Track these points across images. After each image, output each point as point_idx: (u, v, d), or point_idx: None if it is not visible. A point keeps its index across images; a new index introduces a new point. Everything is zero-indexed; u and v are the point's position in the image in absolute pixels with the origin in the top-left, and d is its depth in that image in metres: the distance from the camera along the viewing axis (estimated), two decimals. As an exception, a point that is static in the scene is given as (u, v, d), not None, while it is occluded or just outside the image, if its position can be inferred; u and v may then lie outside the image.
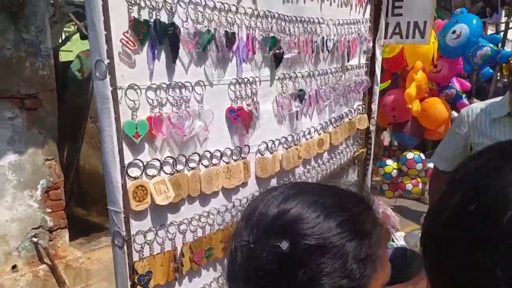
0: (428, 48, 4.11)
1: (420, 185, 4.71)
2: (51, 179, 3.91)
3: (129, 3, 1.00)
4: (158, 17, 1.07)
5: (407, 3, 2.08)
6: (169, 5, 1.10)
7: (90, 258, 4.16)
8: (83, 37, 5.19)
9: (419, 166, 4.50)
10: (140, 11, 1.03)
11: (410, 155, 4.50)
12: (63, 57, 5.75)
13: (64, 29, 5.74)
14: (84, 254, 4.18)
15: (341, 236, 0.58)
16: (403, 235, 4.43)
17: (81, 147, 5.48)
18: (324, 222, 0.58)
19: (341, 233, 0.58)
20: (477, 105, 2.38)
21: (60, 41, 5.38)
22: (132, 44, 1.00)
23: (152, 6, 1.06)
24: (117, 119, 0.99)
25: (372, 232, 0.63)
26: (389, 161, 4.61)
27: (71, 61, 5.28)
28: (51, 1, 5.30)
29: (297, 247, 0.57)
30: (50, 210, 3.84)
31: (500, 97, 1.89)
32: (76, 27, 5.25)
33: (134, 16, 1.01)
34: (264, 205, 0.62)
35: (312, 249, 0.57)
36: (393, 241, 4.39)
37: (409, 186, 4.65)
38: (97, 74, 0.96)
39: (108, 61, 0.96)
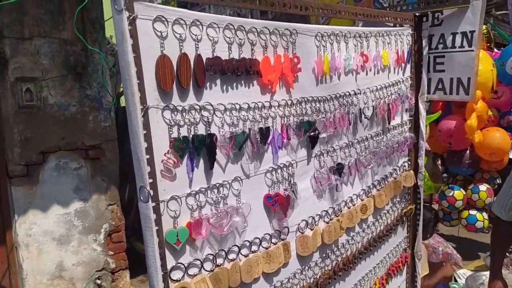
0: (487, 76, 3.92)
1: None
2: (113, 223, 4.18)
3: (169, 125, 1.11)
4: (196, 131, 1.17)
5: (448, 59, 2.05)
6: (205, 117, 1.20)
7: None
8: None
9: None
10: (179, 130, 1.13)
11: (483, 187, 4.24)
12: (123, 102, 6.16)
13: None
14: (145, 293, 4.37)
15: None
16: (466, 273, 4.19)
17: (140, 186, 5.79)
18: None
19: None
20: None
21: (122, 88, 5.78)
22: (172, 162, 1.10)
23: (190, 122, 1.16)
24: (160, 231, 1.09)
25: None
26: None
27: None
28: (112, 52, 5.75)
29: None
30: (113, 253, 4.10)
31: None
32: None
33: (174, 137, 1.11)
34: None
35: None
36: (455, 280, 4.17)
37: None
38: (141, 198, 1.06)
39: (151, 181, 1.06)
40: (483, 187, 4.27)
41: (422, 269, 2.85)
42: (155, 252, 1.08)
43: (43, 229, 3.82)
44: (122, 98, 6.27)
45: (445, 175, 4.85)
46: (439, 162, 5.02)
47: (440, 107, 4.18)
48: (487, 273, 3.65)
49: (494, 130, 4.22)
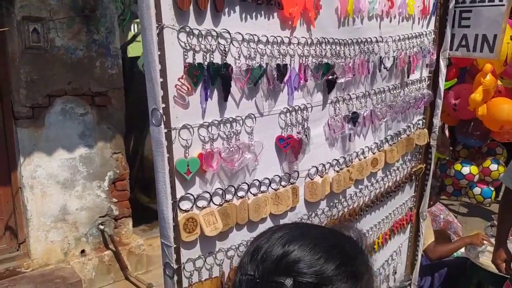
0: (502, 50, 3.79)
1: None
2: (118, 171, 4.19)
3: (184, 49, 1.05)
4: (212, 58, 1.11)
5: (475, 14, 1.95)
6: (222, 46, 1.13)
7: (151, 245, 4.42)
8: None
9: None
10: (194, 56, 1.07)
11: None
12: (131, 52, 6.05)
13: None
14: (146, 241, 4.45)
15: (337, 277, 0.66)
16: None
17: (145, 138, 5.78)
18: (324, 264, 0.67)
19: (338, 274, 0.67)
20: None
21: (128, 38, 5.66)
22: (186, 88, 1.05)
23: (206, 48, 1.10)
24: (171, 159, 1.06)
25: (364, 274, 0.71)
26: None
27: (138, 57, 5.55)
28: (120, 0, 5.58)
29: (299, 285, 0.64)
30: (116, 200, 4.14)
31: None
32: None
33: (189, 62, 1.06)
34: (269, 245, 0.71)
35: (311, 287, 0.65)
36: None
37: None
38: (153, 121, 1.02)
39: (163, 105, 1.02)
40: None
41: (427, 235, 2.85)
42: (166, 178, 1.05)
43: (47, 172, 3.83)
44: (129, 48, 6.16)
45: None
46: (447, 132, 4.96)
47: (454, 74, 4.08)
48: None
49: (502, 102, 4.12)
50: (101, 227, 4.03)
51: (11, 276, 3.59)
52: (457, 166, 4.27)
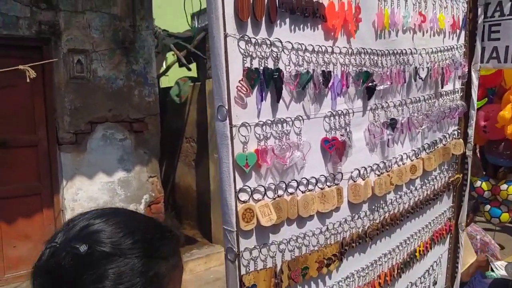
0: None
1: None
2: (153, 194, 4.33)
3: (244, 56, 1.18)
4: (266, 64, 1.24)
5: (504, 27, 2.03)
6: (275, 53, 1.26)
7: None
8: (181, 65, 5.70)
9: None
10: (252, 61, 1.20)
11: None
12: (163, 83, 6.33)
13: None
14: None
15: (132, 251, 0.70)
16: (504, 265, 4.11)
17: (177, 166, 5.96)
18: (121, 237, 0.71)
19: (133, 249, 0.71)
20: None
21: (161, 69, 5.95)
22: (245, 90, 1.18)
23: (262, 55, 1.23)
24: (232, 152, 1.17)
25: (168, 258, 0.76)
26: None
27: (170, 87, 5.82)
28: (154, 35, 5.92)
29: (93, 252, 0.68)
30: (152, 223, 4.24)
31: None
32: (175, 56, 5.77)
33: (247, 66, 1.18)
34: (81, 219, 0.75)
35: (105, 256, 0.68)
36: (492, 270, 4.09)
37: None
38: (219, 117, 1.14)
39: (227, 105, 1.14)
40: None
41: (467, 254, 2.81)
42: (230, 168, 1.15)
43: (88, 195, 4.00)
44: (162, 79, 6.45)
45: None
46: (478, 153, 4.92)
47: (481, 95, 4.11)
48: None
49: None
50: (138, 249, 4.11)
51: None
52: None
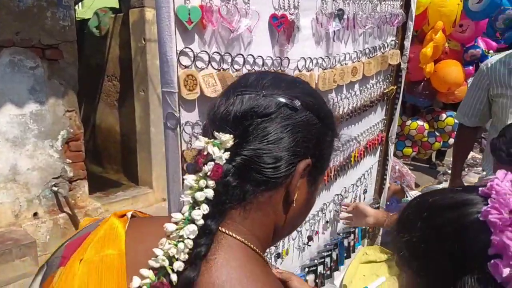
0: (452, 9, 4.03)
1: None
2: (71, 130, 3.95)
3: None
4: None
5: None
6: None
7: (108, 210, 4.22)
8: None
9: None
10: None
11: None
12: (78, 14, 5.72)
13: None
14: (103, 206, 4.24)
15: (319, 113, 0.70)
16: (417, 194, 4.45)
17: (97, 107, 5.51)
18: (316, 98, 0.72)
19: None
20: (496, 57, 2.37)
21: (77, -3, 5.34)
22: None
23: None
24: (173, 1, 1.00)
25: (322, 115, 0.72)
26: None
27: (87, 19, 5.26)
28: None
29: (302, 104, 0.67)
30: (70, 161, 3.89)
31: None
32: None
33: None
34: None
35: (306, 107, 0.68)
36: (407, 197, 4.41)
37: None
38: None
39: None
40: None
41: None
42: (170, 13, 0.98)
43: (-5, 129, 3.53)
44: (78, 12, 5.82)
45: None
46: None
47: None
48: (441, 186, 3.86)
49: (450, 65, 4.39)
50: (55, 188, 3.77)
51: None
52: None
